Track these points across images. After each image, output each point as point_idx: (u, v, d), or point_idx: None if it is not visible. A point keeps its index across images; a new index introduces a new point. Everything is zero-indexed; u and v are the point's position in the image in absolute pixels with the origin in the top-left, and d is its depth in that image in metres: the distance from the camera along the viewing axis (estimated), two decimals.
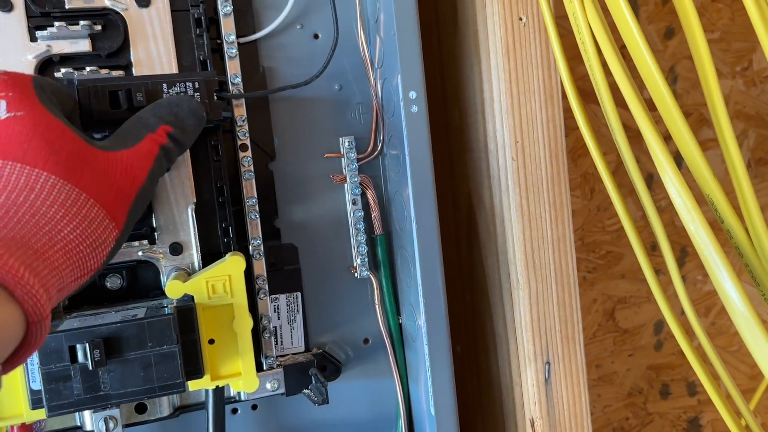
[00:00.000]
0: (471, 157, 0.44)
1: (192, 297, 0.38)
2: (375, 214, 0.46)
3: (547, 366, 0.40)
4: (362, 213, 0.45)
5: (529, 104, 0.39)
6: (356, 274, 0.46)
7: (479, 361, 0.48)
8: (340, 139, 0.45)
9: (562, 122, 0.39)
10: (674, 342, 0.63)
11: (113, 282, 0.40)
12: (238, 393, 0.42)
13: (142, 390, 0.34)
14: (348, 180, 0.45)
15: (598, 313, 0.59)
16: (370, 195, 0.46)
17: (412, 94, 0.38)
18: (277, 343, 0.44)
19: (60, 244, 0.27)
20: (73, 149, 0.29)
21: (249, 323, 0.39)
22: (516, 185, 0.39)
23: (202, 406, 0.41)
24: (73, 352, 0.33)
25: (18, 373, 0.35)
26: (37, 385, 0.35)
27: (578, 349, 0.41)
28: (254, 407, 0.45)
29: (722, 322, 0.59)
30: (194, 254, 0.41)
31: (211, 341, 0.38)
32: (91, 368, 0.33)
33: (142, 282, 0.41)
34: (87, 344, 0.33)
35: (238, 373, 0.39)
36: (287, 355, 0.44)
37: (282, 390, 0.42)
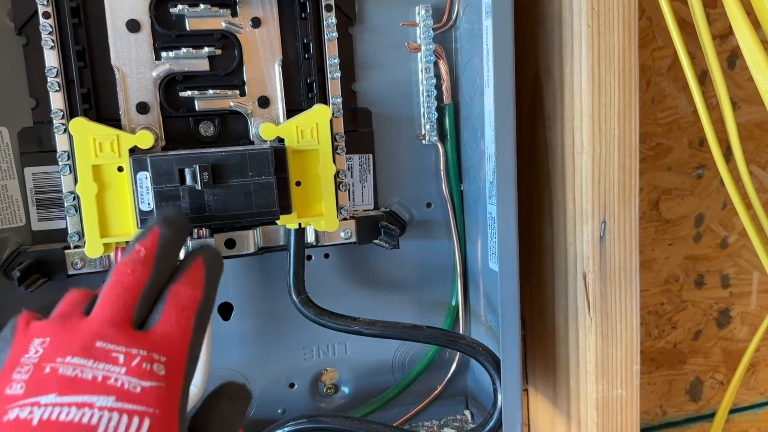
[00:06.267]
0: (542, 29, 0.46)
1: (283, 141, 0.41)
2: (445, 84, 0.48)
3: (603, 225, 0.43)
4: (434, 81, 0.48)
5: None
6: (424, 141, 0.49)
7: (531, 229, 0.51)
8: (417, 7, 0.47)
9: None
10: (713, 235, 0.65)
11: (206, 128, 0.44)
12: (315, 238, 0.46)
13: (242, 214, 0.38)
14: (422, 48, 0.47)
15: (643, 202, 0.62)
16: (442, 65, 0.48)
17: None
18: (349, 199, 0.48)
19: None
20: None
21: (332, 168, 0.42)
22: (589, 51, 0.41)
23: (282, 248, 0.45)
24: (182, 175, 0.37)
25: (127, 197, 0.39)
26: (146, 206, 0.39)
27: (633, 211, 0.44)
28: (326, 256, 0.49)
29: None
30: (280, 108, 0.44)
31: (298, 183, 0.42)
32: (199, 188, 0.37)
33: (232, 131, 0.44)
34: (197, 167, 0.37)
35: (320, 214, 0.43)
36: (358, 210, 0.48)
37: (354, 239, 0.46)
